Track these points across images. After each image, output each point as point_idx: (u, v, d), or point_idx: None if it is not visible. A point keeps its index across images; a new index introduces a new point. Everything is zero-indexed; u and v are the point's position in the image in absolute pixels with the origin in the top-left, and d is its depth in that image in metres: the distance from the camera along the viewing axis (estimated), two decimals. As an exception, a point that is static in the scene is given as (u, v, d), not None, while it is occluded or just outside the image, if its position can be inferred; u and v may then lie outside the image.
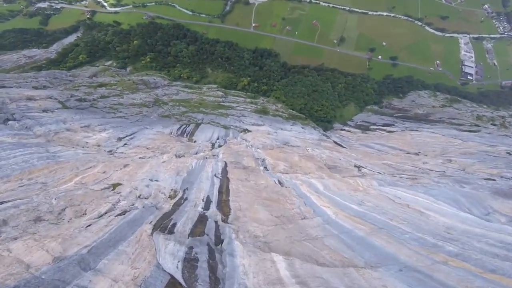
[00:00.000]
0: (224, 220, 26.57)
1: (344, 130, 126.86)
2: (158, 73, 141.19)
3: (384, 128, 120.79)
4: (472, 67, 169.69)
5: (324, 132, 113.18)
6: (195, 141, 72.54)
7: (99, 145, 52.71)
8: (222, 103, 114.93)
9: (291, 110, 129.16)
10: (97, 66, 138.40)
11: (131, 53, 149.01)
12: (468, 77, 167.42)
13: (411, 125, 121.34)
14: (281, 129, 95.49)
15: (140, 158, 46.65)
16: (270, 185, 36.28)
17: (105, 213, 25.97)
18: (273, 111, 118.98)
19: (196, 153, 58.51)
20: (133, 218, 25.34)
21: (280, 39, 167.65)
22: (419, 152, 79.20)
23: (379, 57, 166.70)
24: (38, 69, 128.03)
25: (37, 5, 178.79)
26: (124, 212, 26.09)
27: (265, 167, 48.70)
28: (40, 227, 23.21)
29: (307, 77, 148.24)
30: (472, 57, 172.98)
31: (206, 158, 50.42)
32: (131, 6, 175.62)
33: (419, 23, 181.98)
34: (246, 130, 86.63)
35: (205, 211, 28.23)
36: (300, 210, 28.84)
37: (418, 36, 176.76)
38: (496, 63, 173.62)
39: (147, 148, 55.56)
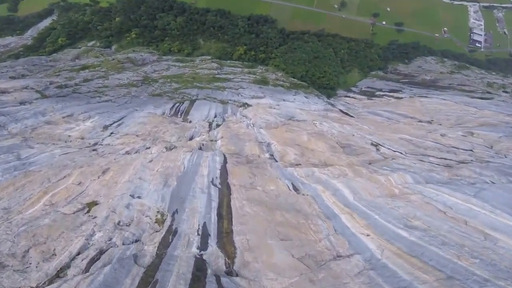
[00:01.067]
0: (229, 267, 20.58)
1: (348, 97, 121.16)
2: (145, 49, 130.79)
3: (391, 94, 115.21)
4: (481, 34, 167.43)
5: (329, 100, 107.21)
6: (190, 121, 66.81)
7: (82, 138, 46.35)
8: (217, 75, 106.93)
9: (292, 78, 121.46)
10: (79, 48, 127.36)
11: (114, 31, 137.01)
12: (477, 45, 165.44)
13: (419, 91, 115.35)
14: (284, 100, 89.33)
15: (126, 152, 40.26)
16: (283, 193, 30.18)
17: (78, 254, 20.17)
18: (273, 80, 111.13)
19: (192, 138, 52.45)
20: (103, 282, 17.93)
21: (276, 4, 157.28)
22: (432, 120, 74.77)
23: (383, 22, 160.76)
24: (16, 57, 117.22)
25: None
26: (100, 253, 20.20)
27: (272, 155, 42.81)
28: (4, 278, 17.70)
29: (307, 43, 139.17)
30: (482, 25, 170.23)
31: (202, 146, 44.39)
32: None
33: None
34: (245, 105, 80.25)
35: (202, 252, 22.37)
36: (330, 243, 22.90)
37: (425, 2, 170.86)
38: (506, 32, 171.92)
39: (137, 136, 49.14)
